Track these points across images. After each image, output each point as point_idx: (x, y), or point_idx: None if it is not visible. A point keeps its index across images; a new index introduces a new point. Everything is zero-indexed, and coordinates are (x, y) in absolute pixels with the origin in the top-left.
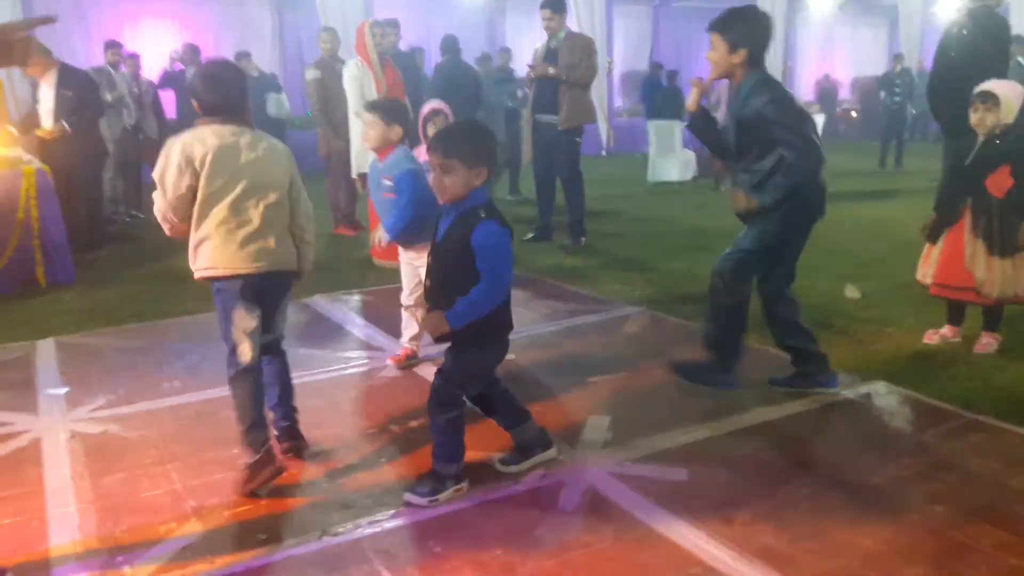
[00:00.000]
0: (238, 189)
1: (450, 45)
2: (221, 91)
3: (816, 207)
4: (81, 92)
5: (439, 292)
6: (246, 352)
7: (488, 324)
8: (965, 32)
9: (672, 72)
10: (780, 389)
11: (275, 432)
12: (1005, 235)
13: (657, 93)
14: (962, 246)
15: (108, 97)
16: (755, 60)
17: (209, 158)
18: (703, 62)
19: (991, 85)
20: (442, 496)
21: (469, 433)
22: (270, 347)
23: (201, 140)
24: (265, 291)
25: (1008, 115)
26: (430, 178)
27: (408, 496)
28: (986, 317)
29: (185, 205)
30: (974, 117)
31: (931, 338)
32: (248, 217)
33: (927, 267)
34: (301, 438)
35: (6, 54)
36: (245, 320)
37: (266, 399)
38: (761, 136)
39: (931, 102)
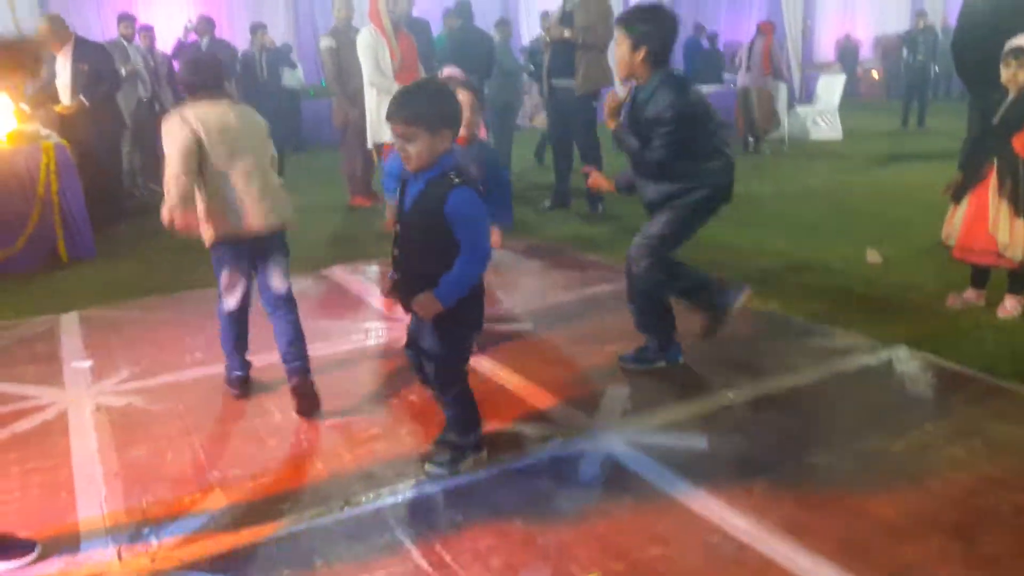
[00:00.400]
0: (226, 153)
1: (463, 10)
2: (200, 73)
3: (720, 198)
4: (96, 65)
5: (408, 262)
6: (231, 300)
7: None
8: None
9: (713, 35)
10: (712, 338)
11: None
12: None
13: (697, 56)
14: (986, 208)
15: (122, 71)
16: (657, 59)
17: (199, 127)
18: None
19: None
20: (462, 466)
21: (487, 404)
22: (279, 302)
23: (190, 112)
24: (258, 248)
25: None
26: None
27: (429, 467)
28: (1011, 280)
29: (193, 164)
30: (1006, 73)
31: (954, 302)
32: (241, 180)
33: (951, 228)
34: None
35: (18, 64)
36: (234, 274)
37: (278, 346)
38: (651, 135)
39: (956, 59)
